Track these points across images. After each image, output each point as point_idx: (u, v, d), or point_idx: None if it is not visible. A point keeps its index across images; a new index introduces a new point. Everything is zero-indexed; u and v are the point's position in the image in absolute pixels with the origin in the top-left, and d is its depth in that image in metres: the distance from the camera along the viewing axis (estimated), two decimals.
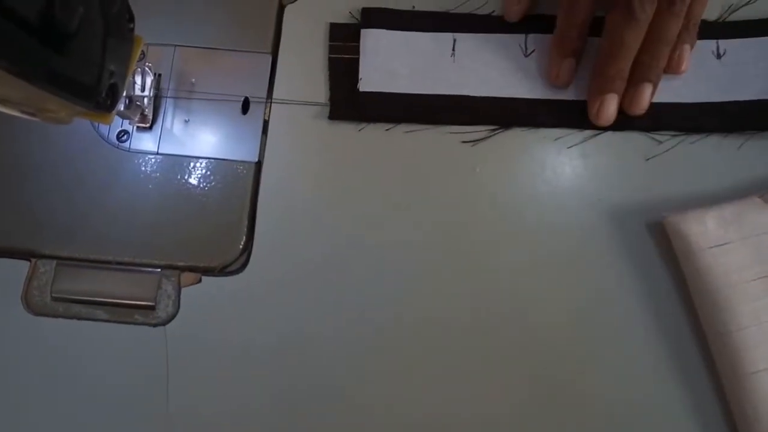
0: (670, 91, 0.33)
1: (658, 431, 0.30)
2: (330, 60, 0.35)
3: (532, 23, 0.35)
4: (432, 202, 0.33)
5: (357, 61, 0.34)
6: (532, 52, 0.34)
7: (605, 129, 0.33)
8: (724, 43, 0.34)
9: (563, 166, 0.33)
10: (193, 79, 0.35)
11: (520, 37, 0.35)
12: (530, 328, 0.31)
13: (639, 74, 0.32)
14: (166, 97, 0.34)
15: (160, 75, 0.34)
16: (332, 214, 0.33)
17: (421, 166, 0.33)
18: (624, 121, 0.33)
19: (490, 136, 0.34)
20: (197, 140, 0.34)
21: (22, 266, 0.32)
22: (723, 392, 0.29)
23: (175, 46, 0.35)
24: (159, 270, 0.32)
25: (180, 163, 0.34)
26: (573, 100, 0.34)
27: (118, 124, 0.34)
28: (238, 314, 0.32)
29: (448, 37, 0.35)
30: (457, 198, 0.33)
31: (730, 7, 0.35)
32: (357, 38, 0.35)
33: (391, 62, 0.34)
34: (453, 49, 0.35)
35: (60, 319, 0.31)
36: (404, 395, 0.30)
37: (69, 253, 0.32)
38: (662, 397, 0.30)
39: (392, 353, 0.31)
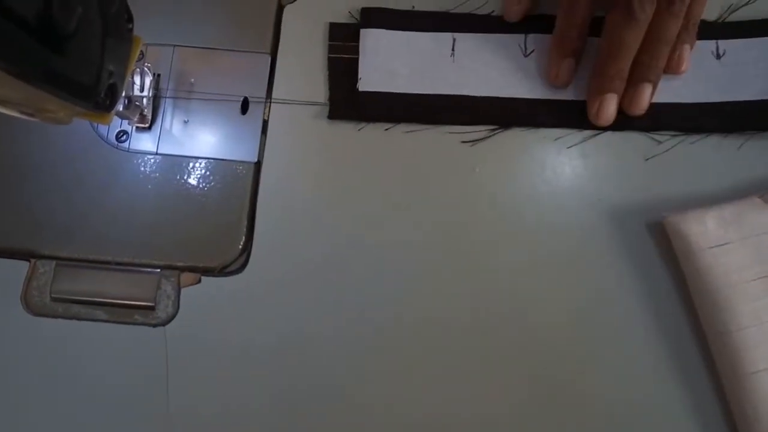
0: (669, 91, 0.33)
1: (658, 431, 0.30)
2: (329, 60, 0.35)
3: (531, 23, 0.35)
4: (432, 202, 0.33)
5: (356, 60, 0.34)
6: (532, 52, 0.34)
7: (605, 129, 0.33)
8: (723, 44, 0.34)
9: (563, 166, 0.33)
10: (193, 80, 0.35)
11: (520, 37, 0.35)
12: (530, 328, 0.31)
13: (639, 74, 0.32)
14: (166, 97, 0.34)
15: (159, 75, 0.34)
16: (332, 214, 0.33)
17: (420, 166, 0.33)
18: (624, 121, 0.33)
19: (490, 136, 0.34)
20: (196, 140, 0.34)
21: (22, 266, 0.32)
22: (723, 392, 0.29)
23: (174, 46, 0.35)
24: (158, 270, 0.32)
25: (179, 163, 0.34)
26: (573, 100, 0.34)
27: (117, 124, 0.34)
28: (238, 314, 0.32)
29: (447, 37, 0.35)
30: (457, 198, 0.33)
31: (729, 7, 0.35)
32: (356, 38, 0.35)
33: (391, 62, 0.34)
34: (453, 49, 0.35)
35: (59, 320, 0.31)
36: (404, 395, 0.30)
37: (68, 253, 0.32)
38: (662, 397, 0.30)
39: (392, 353, 0.31)
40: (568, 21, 0.33)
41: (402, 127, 0.34)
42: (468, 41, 0.35)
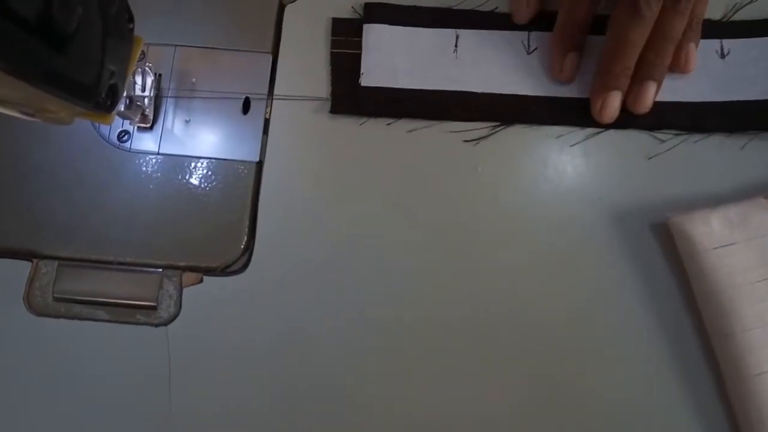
0: (673, 90, 0.33)
1: None
2: (332, 55, 0.35)
3: (534, 21, 0.34)
4: (433, 202, 0.33)
5: (359, 56, 0.34)
6: (535, 49, 0.34)
7: (607, 127, 0.33)
8: (728, 43, 0.34)
9: (565, 165, 0.33)
10: (194, 79, 0.34)
11: (523, 34, 0.35)
12: (531, 328, 0.31)
13: (643, 72, 0.32)
14: (167, 97, 0.34)
15: (160, 75, 0.34)
16: (333, 214, 0.33)
17: (422, 166, 0.33)
18: (627, 120, 0.33)
19: (492, 133, 0.33)
20: (198, 140, 0.34)
21: (24, 267, 0.32)
22: (727, 394, 0.29)
23: (176, 45, 0.35)
24: (160, 270, 0.32)
25: (181, 163, 0.34)
26: (575, 98, 0.33)
27: (118, 124, 0.34)
28: (240, 314, 0.31)
29: (450, 33, 0.35)
30: (458, 197, 0.33)
31: (734, 6, 0.35)
32: (359, 33, 0.35)
33: (394, 57, 0.34)
34: (455, 45, 0.34)
35: (62, 320, 0.32)
36: (404, 395, 0.30)
37: (70, 253, 0.32)
38: (665, 398, 0.30)
39: (392, 353, 0.31)
40: (569, 17, 0.33)
41: (404, 126, 0.34)
42: (471, 38, 0.35)
